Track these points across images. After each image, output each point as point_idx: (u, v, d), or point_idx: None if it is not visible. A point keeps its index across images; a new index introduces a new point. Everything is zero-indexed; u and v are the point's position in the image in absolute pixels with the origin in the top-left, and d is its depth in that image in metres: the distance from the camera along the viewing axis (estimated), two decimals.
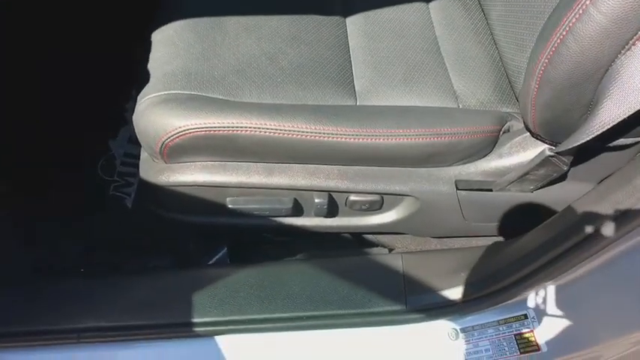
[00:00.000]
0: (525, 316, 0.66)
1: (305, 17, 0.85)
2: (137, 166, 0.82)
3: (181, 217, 0.84)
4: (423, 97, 0.79)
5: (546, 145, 0.71)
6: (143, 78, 0.76)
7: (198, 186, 0.76)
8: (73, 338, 0.69)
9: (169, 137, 0.70)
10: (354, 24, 0.88)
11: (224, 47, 0.78)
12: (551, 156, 0.66)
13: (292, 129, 0.70)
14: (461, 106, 0.79)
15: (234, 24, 0.82)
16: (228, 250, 0.95)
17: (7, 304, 0.72)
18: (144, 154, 0.81)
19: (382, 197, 0.80)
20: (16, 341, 0.69)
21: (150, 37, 0.82)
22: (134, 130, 0.75)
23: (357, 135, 0.70)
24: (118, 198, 1.10)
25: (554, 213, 0.79)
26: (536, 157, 0.69)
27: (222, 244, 0.95)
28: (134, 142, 1.15)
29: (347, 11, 0.90)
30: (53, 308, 0.72)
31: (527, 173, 0.71)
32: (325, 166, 0.77)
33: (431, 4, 0.93)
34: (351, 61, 0.83)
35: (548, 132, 0.69)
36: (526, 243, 0.67)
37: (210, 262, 0.94)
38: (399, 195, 0.80)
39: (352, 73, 0.81)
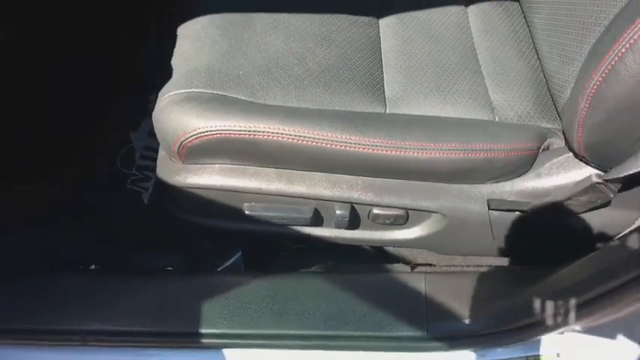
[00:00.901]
0: (558, 356, 0.61)
1: (337, 16, 0.81)
2: (156, 160, 0.79)
3: (196, 220, 0.81)
4: (457, 107, 0.74)
5: (592, 170, 0.66)
6: (166, 72, 0.74)
7: (215, 189, 0.73)
8: (77, 340, 0.67)
9: (188, 138, 0.67)
10: (388, 25, 0.84)
11: (251, 45, 0.75)
12: (599, 183, 0.61)
13: (316, 136, 0.66)
14: (497, 119, 0.74)
15: (263, 21, 0.78)
16: (243, 255, 0.92)
17: (11, 301, 0.71)
18: (162, 152, 0.79)
19: (407, 212, 0.76)
20: (20, 339, 0.68)
21: (176, 30, 0.79)
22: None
23: (385, 147, 0.66)
24: (135, 192, 1.08)
25: (591, 241, 0.74)
26: (580, 181, 0.64)
27: (238, 248, 0.92)
28: (155, 136, 1.13)
29: (381, 11, 0.85)
30: (58, 307, 0.70)
31: (568, 198, 0.66)
32: (349, 176, 0.73)
33: (470, 8, 0.88)
34: (382, 64, 0.79)
35: (595, 155, 0.64)
36: (565, 277, 0.61)
37: (225, 266, 0.91)
38: (426, 211, 0.75)
39: (383, 77, 0.77)
